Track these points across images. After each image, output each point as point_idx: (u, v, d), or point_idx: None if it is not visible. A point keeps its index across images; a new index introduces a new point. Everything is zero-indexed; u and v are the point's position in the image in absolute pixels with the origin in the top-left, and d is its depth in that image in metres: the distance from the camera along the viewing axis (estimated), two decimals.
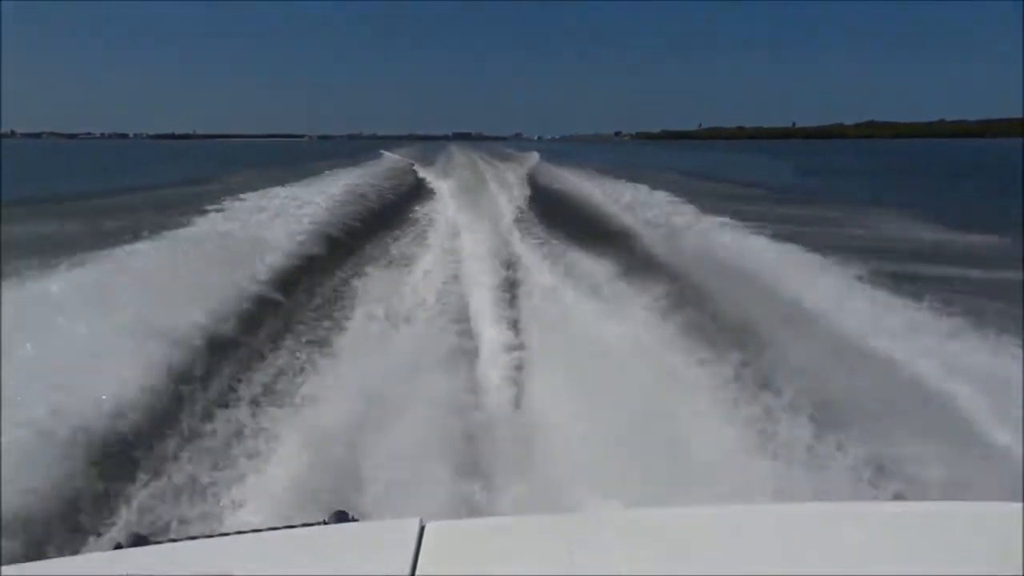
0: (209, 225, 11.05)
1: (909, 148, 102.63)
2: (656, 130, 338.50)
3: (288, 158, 51.39)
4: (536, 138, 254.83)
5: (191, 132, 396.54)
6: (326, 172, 25.27)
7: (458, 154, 45.67)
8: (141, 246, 8.60)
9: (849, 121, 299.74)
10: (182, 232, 10.14)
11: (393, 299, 7.41)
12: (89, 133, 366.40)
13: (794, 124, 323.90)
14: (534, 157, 37.62)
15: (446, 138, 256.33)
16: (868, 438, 3.96)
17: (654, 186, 17.62)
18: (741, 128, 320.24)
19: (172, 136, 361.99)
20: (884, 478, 3.61)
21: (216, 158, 61.12)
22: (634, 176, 22.19)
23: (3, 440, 3.51)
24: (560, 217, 13.36)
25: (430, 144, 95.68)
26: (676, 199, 14.95)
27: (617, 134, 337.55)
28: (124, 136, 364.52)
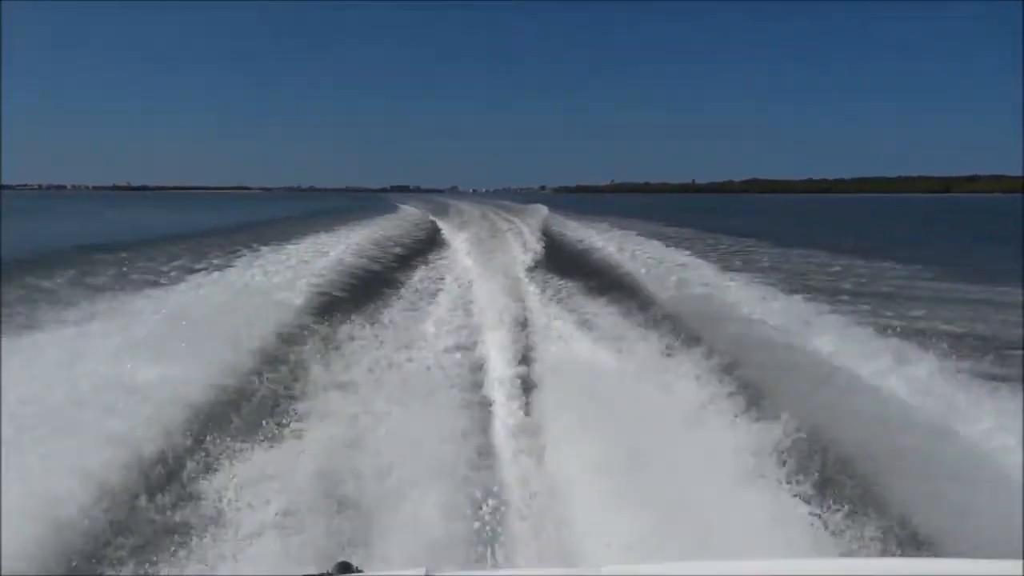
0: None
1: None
2: (572, 184, 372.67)
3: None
4: (471, 191, 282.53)
5: (127, 184, 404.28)
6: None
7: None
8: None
9: (737, 178, 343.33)
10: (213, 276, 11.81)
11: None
12: (25, 184, 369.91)
13: (693, 180, 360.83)
14: (543, 210, 37.13)
15: (384, 191, 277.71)
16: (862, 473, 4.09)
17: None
18: (648, 183, 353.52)
19: (113, 188, 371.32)
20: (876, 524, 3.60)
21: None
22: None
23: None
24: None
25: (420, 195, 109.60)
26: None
27: (541, 188, 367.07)
28: (62, 187, 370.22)
